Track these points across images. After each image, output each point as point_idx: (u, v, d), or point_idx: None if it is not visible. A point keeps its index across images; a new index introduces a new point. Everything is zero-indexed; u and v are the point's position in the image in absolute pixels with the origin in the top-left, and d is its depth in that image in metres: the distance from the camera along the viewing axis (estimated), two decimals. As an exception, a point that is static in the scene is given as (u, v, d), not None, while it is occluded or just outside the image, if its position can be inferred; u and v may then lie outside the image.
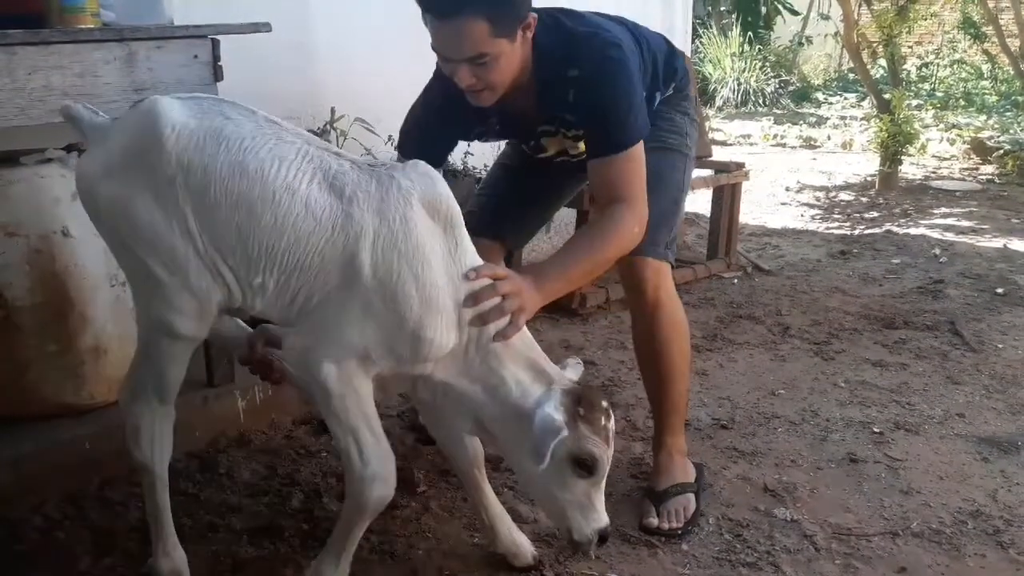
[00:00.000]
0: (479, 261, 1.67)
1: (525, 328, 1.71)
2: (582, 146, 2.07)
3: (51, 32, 2.02)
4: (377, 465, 1.63)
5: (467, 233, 1.66)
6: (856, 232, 5.04)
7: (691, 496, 2.13)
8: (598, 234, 1.94)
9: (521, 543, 1.92)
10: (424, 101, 2.07)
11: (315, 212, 1.52)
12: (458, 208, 1.64)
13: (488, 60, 1.78)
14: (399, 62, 3.08)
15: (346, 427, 1.62)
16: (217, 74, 2.24)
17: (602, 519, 1.69)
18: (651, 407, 2.30)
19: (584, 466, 1.64)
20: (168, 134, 1.48)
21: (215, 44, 2.21)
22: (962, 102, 9.56)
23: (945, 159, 7.30)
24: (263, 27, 2.26)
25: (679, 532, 2.05)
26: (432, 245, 1.58)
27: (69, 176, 2.20)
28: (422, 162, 1.67)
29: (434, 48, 1.82)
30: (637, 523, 2.09)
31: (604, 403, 1.68)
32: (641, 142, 1.95)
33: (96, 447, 2.22)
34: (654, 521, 2.08)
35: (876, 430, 2.56)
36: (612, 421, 1.69)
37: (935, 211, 5.51)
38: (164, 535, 1.77)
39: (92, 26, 2.09)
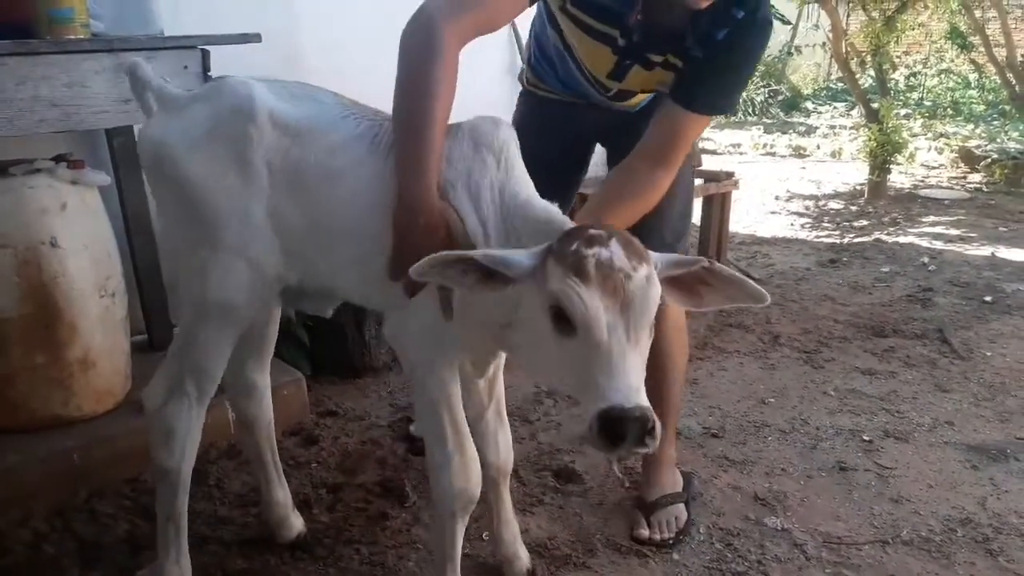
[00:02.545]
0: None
1: None
2: (656, 84, 1.85)
3: (40, 43, 2.02)
4: (455, 453, 1.57)
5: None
6: (845, 241, 5.06)
7: (681, 506, 2.14)
8: (640, 195, 1.72)
9: (521, 555, 1.93)
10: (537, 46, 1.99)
11: (383, 174, 1.51)
12: (516, 149, 1.51)
13: None
14: (390, 72, 3.09)
15: (424, 409, 1.62)
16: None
17: (605, 398, 1.16)
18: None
19: (561, 319, 1.22)
20: (263, 119, 1.50)
21: (205, 54, 2.21)
22: (950, 111, 9.63)
23: (933, 168, 7.34)
24: (253, 38, 2.27)
25: (670, 542, 2.05)
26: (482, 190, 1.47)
27: (57, 186, 2.20)
28: (488, 119, 1.53)
29: None
30: (628, 534, 2.09)
31: (595, 233, 1.26)
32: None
33: (84, 459, 2.21)
34: (645, 532, 2.07)
35: (866, 438, 2.57)
36: (615, 258, 1.22)
37: (924, 220, 5.54)
38: (179, 543, 1.76)
39: (81, 36, 2.09)
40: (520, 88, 2.24)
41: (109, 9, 2.28)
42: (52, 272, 2.18)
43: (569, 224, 1.37)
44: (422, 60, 1.46)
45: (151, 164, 1.58)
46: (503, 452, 1.86)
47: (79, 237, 2.23)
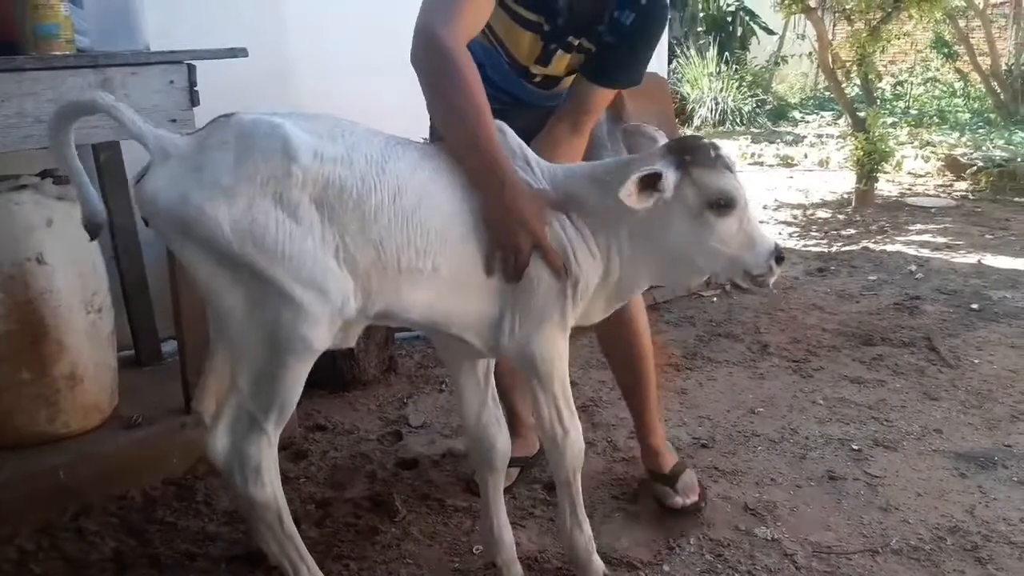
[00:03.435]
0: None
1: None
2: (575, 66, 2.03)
3: (25, 59, 2.01)
4: (572, 426, 1.80)
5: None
6: (833, 249, 5.09)
7: (691, 471, 2.32)
8: (564, 157, 1.92)
9: (516, 561, 1.95)
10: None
11: (457, 187, 1.60)
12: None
13: None
14: (378, 85, 3.10)
15: (552, 397, 1.76)
16: (194, 99, 2.24)
17: (768, 241, 1.66)
18: (632, 399, 2.38)
19: (721, 205, 1.61)
20: (305, 159, 1.45)
21: (191, 69, 2.21)
22: (936, 120, 9.70)
23: (920, 176, 7.39)
24: (240, 52, 2.26)
25: (702, 506, 2.24)
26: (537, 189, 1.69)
27: (43, 202, 2.19)
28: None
29: None
30: (659, 508, 2.25)
31: (704, 140, 1.67)
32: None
33: (70, 476, 2.20)
34: (679, 500, 2.24)
35: (855, 447, 2.57)
36: (722, 150, 1.66)
37: (911, 228, 5.57)
38: (306, 559, 1.71)
39: (66, 52, 2.09)
40: None
41: (94, 24, 2.27)
42: (38, 288, 2.17)
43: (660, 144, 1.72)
44: (451, 79, 1.59)
45: (174, 227, 1.45)
46: (505, 437, 1.91)
47: (65, 253, 2.22)
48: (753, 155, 8.71)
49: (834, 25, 9.29)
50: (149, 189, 1.45)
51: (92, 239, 1.66)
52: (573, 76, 2.03)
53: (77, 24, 2.18)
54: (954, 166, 7.27)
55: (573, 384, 3.00)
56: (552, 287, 1.66)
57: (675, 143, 1.67)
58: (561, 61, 2.00)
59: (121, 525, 2.16)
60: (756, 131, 10.20)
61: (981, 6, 9.56)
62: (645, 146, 1.76)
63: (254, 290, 1.48)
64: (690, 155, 1.61)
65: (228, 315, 1.50)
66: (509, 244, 1.60)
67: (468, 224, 1.60)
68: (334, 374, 2.96)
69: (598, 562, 1.93)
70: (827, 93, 11.40)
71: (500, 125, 1.68)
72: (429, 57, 1.59)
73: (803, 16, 7.49)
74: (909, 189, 6.92)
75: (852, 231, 5.54)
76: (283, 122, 1.48)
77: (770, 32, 11.65)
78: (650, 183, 1.57)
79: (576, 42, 1.95)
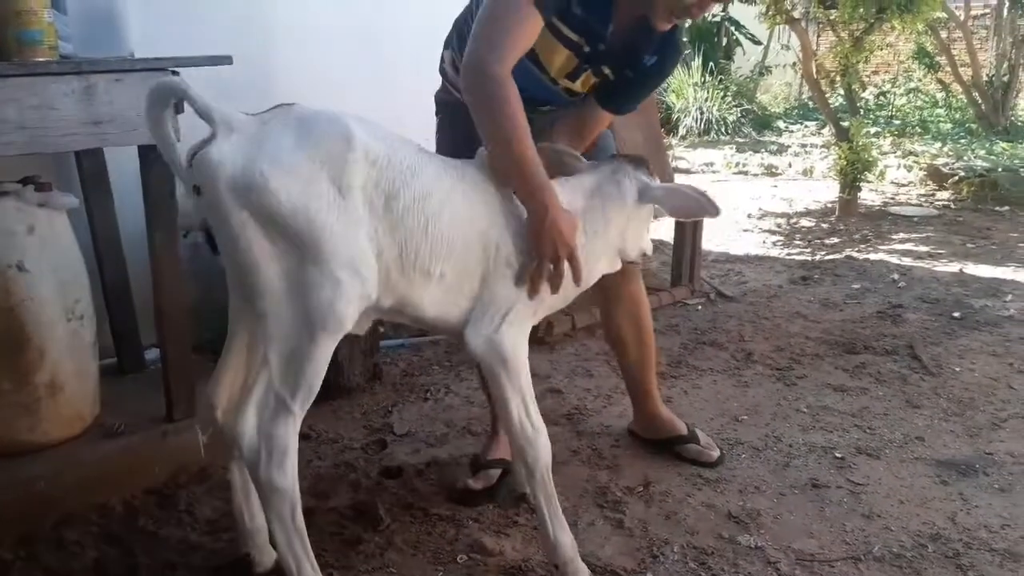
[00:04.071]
0: None
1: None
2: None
3: (7, 65, 2.00)
4: (541, 424, 1.87)
5: None
6: (817, 258, 5.12)
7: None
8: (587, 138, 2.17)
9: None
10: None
11: (472, 203, 1.77)
12: None
13: None
14: (363, 90, 3.10)
15: (520, 396, 1.84)
16: (178, 107, 2.23)
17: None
18: (637, 371, 2.55)
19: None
20: (360, 148, 1.59)
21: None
22: (918, 130, 9.79)
23: (903, 185, 7.45)
24: (224, 60, 2.25)
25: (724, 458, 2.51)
26: None
27: (25, 209, 2.18)
28: None
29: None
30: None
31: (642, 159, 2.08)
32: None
33: (51, 486, 2.17)
34: (715, 452, 2.52)
35: (838, 455, 2.59)
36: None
37: (894, 237, 5.61)
38: (309, 555, 1.72)
39: (50, 59, 2.08)
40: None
41: (78, 31, 2.27)
42: (19, 296, 2.15)
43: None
44: (499, 110, 1.77)
45: (234, 193, 1.52)
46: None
47: (47, 260, 2.21)
48: (738, 164, 8.76)
49: (818, 36, 9.37)
50: (215, 155, 1.52)
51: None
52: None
53: (60, 30, 2.18)
54: (936, 176, 7.33)
55: (558, 392, 3.04)
56: (524, 303, 1.86)
57: (634, 157, 2.06)
58: (587, 81, 2.12)
59: (102, 535, 2.14)
60: (741, 141, 10.25)
61: (962, 18, 9.67)
62: (569, 163, 2.03)
63: (295, 265, 1.57)
64: (638, 169, 2.02)
65: (266, 290, 1.58)
66: (549, 256, 1.81)
67: (473, 236, 1.77)
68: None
69: (582, 565, 1.94)
70: (811, 103, 11.49)
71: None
72: (481, 89, 1.78)
73: (787, 27, 7.55)
74: (892, 198, 6.98)
75: (836, 240, 5.58)
76: (343, 114, 1.62)
77: (755, 42, 11.72)
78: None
79: (606, 70, 2.08)
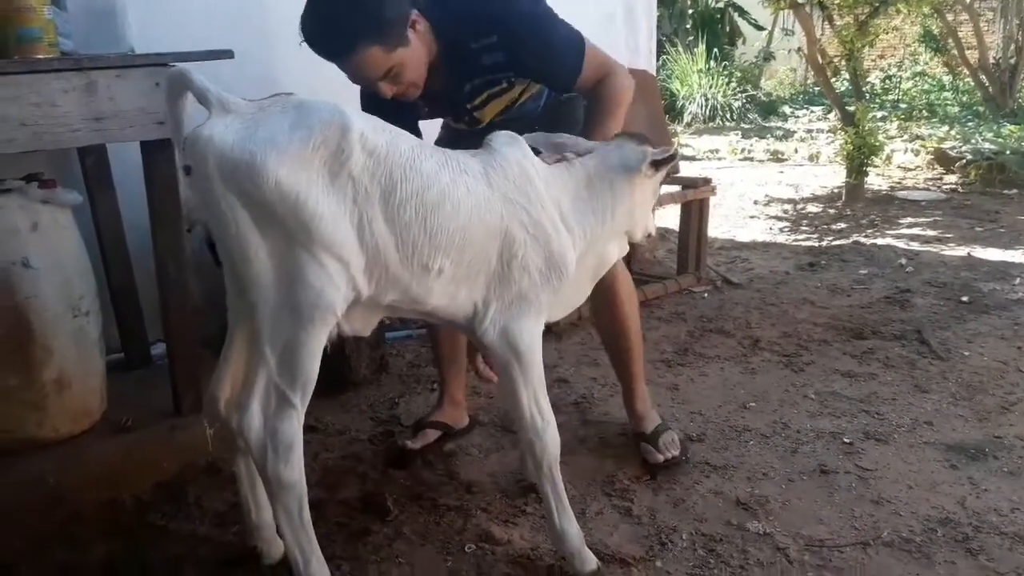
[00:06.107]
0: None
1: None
2: (522, 91, 2.24)
3: (8, 63, 2.00)
4: (551, 416, 1.88)
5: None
6: (824, 244, 5.10)
7: (672, 432, 2.49)
8: (608, 100, 2.16)
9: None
10: (363, 106, 2.21)
11: (475, 194, 1.74)
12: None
13: (396, 70, 1.99)
14: (364, 85, 3.09)
15: (533, 389, 1.84)
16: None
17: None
18: (618, 365, 2.55)
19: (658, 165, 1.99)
20: (356, 138, 1.56)
21: (176, 72, 2.19)
22: (925, 113, 9.73)
23: (910, 170, 7.41)
24: (225, 54, 2.25)
25: (684, 459, 2.42)
26: (537, 184, 1.84)
27: (28, 206, 2.18)
28: (503, 132, 1.90)
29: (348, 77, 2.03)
30: (646, 472, 2.39)
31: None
32: (584, 43, 2.12)
33: (60, 481, 2.18)
34: (660, 456, 2.40)
35: (846, 440, 2.58)
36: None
37: (901, 221, 5.59)
38: (315, 548, 1.73)
39: (50, 56, 2.08)
40: None
41: (78, 27, 2.27)
42: (24, 292, 2.15)
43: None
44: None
45: (223, 172, 1.50)
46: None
47: (51, 257, 2.21)
48: (743, 150, 8.73)
49: (823, 20, 9.31)
50: (205, 132, 1.50)
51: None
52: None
53: (60, 27, 2.17)
54: (943, 159, 7.30)
55: (565, 381, 3.03)
56: (540, 275, 1.83)
57: (634, 134, 2.04)
58: (492, 108, 2.24)
59: (112, 529, 2.14)
60: (746, 127, 10.22)
61: (968, 0, 9.59)
62: (570, 145, 1.99)
63: (284, 253, 1.56)
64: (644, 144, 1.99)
65: (256, 279, 1.57)
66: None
67: (480, 229, 1.74)
68: (325, 375, 2.93)
69: (590, 554, 1.94)
70: (816, 88, 11.43)
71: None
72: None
73: (791, 12, 7.50)
74: (899, 183, 6.95)
75: (842, 225, 5.55)
76: (344, 109, 1.60)
77: (759, 28, 11.67)
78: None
79: (488, 90, 2.18)
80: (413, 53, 1.99)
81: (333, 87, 1.93)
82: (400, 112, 2.06)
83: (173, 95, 1.61)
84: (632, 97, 2.22)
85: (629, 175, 1.96)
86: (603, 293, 2.38)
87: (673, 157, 1.98)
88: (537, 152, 1.92)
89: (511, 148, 1.85)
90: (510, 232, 1.79)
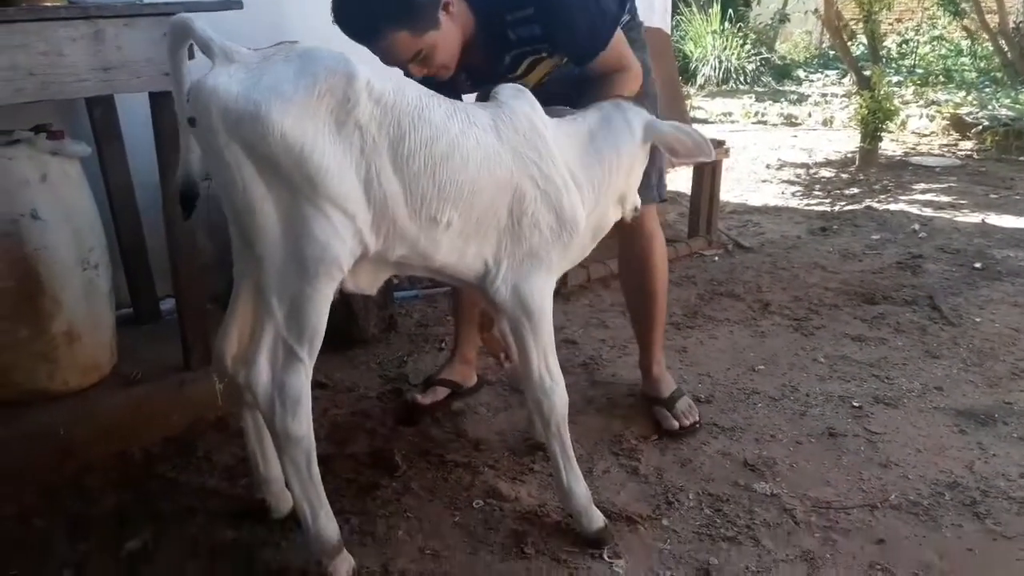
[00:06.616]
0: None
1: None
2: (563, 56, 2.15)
3: (16, 10, 1.97)
4: (559, 376, 1.88)
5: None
6: (836, 208, 5.05)
7: (687, 398, 2.49)
8: (614, 88, 2.09)
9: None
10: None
11: (485, 147, 1.71)
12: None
13: (426, 53, 1.90)
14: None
15: (543, 348, 1.85)
16: (189, 52, 2.20)
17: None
18: (639, 328, 2.54)
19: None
20: (361, 85, 1.52)
21: (185, 21, 2.16)
22: (942, 78, 9.58)
23: (925, 135, 7.32)
24: (234, 4, 2.22)
25: (698, 426, 2.41)
26: (547, 137, 1.81)
27: (37, 158, 2.17)
28: (509, 84, 1.87)
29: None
30: (657, 431, 2.40)
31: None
32: (617, 24, 2.07)
33: (71, 433, 2.20)
34: (675, 423, 2.40)
35: (855, 404, 2.57)
36: None
37: (914, 187, 5.53)
38: (323, 501, 1.73)
39: (58, 4, 2.05)
40: None
41: (85, -24, 2.23)
42: (34, 244, 2.15)
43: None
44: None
45: (227, 124, 1.45)
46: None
47: (60, 209, 2.20)
48: (757, 114, 8.63)
49: (840, -18, 9.14)
50: (209, 83, 1.45)
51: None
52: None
53: (68, -25, 2.14)
54: (959, 125, 7.20)
55: (573, 343, 3.03)
56: (551, 231, 1.81)
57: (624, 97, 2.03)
58: (535, 74, 2.16)
59: (121, 481, 2.16)
60: (760, 90, 10.09)
61: (990, -38, 9.40)
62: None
63: (289, 205, 1.53)
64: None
65: (262, 232, 1.54)
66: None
67: (485, 180, 1.70)
68: (334, 332, 2.93)
69: (597, 512, 1.94)
70: (832, 52, 11.26)
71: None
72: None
73: (809, -28, 7.37)
74: (913, 148, 6.86)
75: (855, 190, 5.50)
76: (349, 57, 1.55)
77: (775, -11, 11.47)
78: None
79: (526, 60, 2.10)
80: (445, 35, 1.92)
81: (343, 36, 1.89)
82: (440, 87, 2.02)
83: (175, 44, 1.56)
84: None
85: (632, 134, 1.94)
86: (637, 255, 2.42)
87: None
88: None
89: (519, 101, 1.82)
90: (520, 187, 1.76)
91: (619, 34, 2.07)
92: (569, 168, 1.84)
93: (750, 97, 9.44)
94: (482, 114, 1.76)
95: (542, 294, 1.84)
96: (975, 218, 4.72)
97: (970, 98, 8.27)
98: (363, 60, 1.58)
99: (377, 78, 1.56)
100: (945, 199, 5.18)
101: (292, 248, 1.55)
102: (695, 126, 2.18)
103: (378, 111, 1.55)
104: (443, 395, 2.53)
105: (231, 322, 1.81)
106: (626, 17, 2.24)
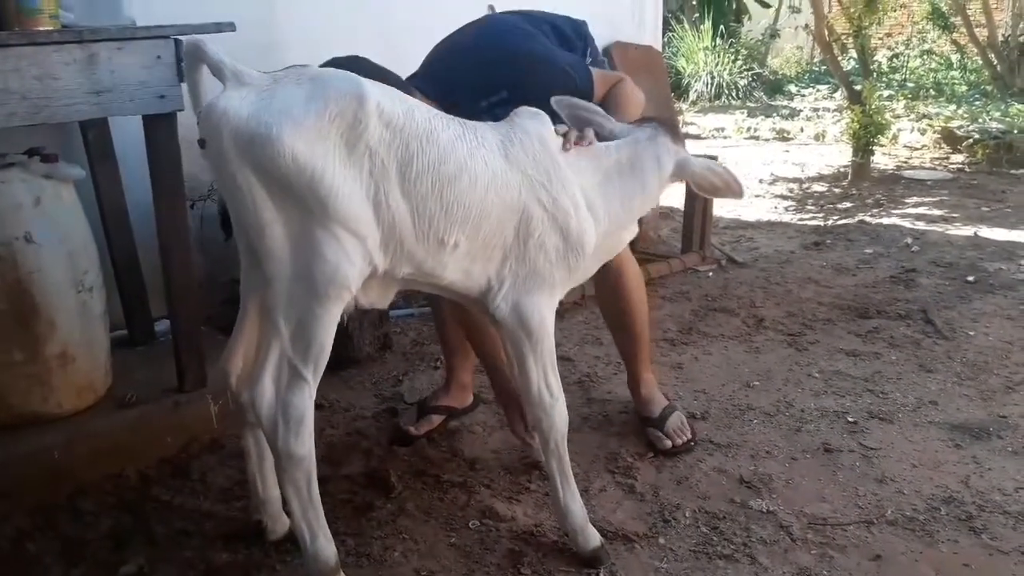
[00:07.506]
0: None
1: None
2: None
3: (8, 35, 1.98)
4: (560, 393, 1.88)
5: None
6: (829, 223, 5.07)
7: (679, 414, 2.48)
8: (623, 99, 2.17)
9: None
10: None
11: (493, 168, 1.71)
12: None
13: None
14: (368, 56, 3.05)
15: (543, 365, 1.85)
16: (181, 75, 2.21)
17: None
18: (624, 351, 2.53)
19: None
20: (373, 109, 1.53)
21: (178, 44, 2.17)
22: (932, 92, 9.65)
23: (916, 149, 7.37)
24: (227, 27, 2.23)
25: (692, 445, 2.40)
26: (559, 161, 1.81)
27: (31, 181, 2.18)
28: (527, 107, 1.87)
29: None
30: (651, 451, 2.38)
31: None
32: (590, 69, 2.16)
33: (65, 456, 2.19)
34: (668, 442, 2.38)
35: (850, 419, 2.57)
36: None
37: (907, 201, 5.56)
38: (322, 523, 1.72)
39: (51, 28, 2.06)
40: None
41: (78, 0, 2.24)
42: (28, 267, 2.15)
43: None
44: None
45: (239, 146, 1.46)
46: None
47: (54, 232, 2.20)
48: (749, 129, 8.68)
49: (830, -3, 9.23)
50: (221, 105, 1.47)
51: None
52: None
53: (62, 0, 2.15)
54: (950, 139, 7.25)
55: (569, 360, 3.03)
56: (557, 254, 1.81)
57: (669, 125, 2.03)
58: None
59: (117, 504, 2.15)
60: (752, 105, 10.15)
61: (978, -23, 9.50)
62: (596, 120, 1.96)
63: (300, 226, 1.54)
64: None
65: (272, 253, 1.55)
66: None
67: (492, 201, 1.71)
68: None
69: (593, 531, 1.94)
70: (823, 66, 11.34)
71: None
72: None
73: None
74: (905, 162, 6.90)
75: (848, 204, 5.52)
76: (360, 78, 1.57)
77: (765, 5, 11.54)
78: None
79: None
80: None
81: (335, 53, 1.90)
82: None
83: (191, 66, 1.60)
84: (642, 108, 2.23)
85: (661, 173, 1.94)
86: (610, 280, 2.38)
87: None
88: (555, 121, 1.89)
89: (533, 123, 1.82)
90: (528, 209, 1.76)
91: (600, 73, 2.14)
92: (585, 193, 1.83)
93: (742, 112, 9.49)
94: (492, 135, 1.76)
95: (543, 313, 1.83)
96: (967, 231, 4.74)
97: (961, 111, 8.33)
98: (374, 84, 1.59)
99: (387, 101, 1.57)
100: (937, 212, 5.21)
101: (302, 269, 1.56)
102: (689, 143, 2.21)
103: (388, 134, 1.56)
104: (438, 422, 2.51)
105: (237, 340, 1.80)
106: (588, 60, 2.30)
